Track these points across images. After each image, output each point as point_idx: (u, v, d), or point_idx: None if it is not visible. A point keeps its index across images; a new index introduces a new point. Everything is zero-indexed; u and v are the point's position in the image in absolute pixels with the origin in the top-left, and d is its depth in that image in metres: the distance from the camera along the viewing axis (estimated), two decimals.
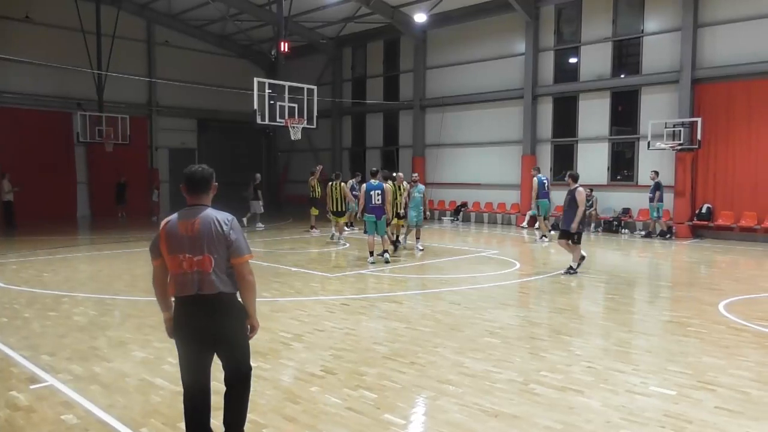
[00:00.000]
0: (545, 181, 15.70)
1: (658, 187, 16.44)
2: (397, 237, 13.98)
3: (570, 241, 10.52)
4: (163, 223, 3.50)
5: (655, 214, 16.60)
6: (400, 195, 13.44)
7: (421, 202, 13.53)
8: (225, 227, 3.43)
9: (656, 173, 16.58)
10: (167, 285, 3.51)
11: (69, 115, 22.64)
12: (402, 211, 13.40)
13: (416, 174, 14.82)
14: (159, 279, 3.54)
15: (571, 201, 10.39)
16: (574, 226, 10.35)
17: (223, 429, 3.68)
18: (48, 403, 4.54)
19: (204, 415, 3.60)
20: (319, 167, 18.27)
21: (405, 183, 13.65)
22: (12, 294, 8.66)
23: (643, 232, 17.20)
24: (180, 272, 3.41)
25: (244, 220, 18.42)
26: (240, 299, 3.55)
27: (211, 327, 3.45)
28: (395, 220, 13.67)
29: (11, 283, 9.45)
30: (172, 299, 3.53)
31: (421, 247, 13.52)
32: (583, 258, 10.74)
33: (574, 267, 10.62)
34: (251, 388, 3.76)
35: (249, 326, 3.64)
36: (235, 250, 3.43)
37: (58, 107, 22.64)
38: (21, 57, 18.29)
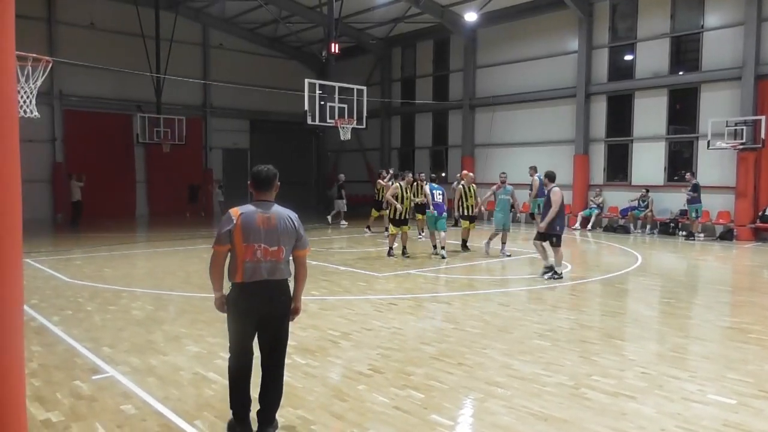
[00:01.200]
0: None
1: (695, 188, 16.12)
2: (464, 242, 13.48)
3: (549, 243, 10.03)
4: (235, 214, 3.79)
5: (694, 215, 16.29)
6: (471, 196, 13.04)
7: (509, 204, 12.65)
8: (296, 223, 3.93)
9: (693, 174, 16.39)
10: (223, 268, 3.86)
11: (129, 117, 23.57)
12: (468, 212, 13.03)
13: (504, 173, 13.13)
14: (221, 263, 3.85)
15: (548, 201, 9.99)
16: (542, 226, 9.98)
17: (260, 407, 3.96)
18: (109, 394, 4.75)
19: (248, 381, 3.96)
20: (390, 171, 18.18)
21: (473, 184, 13.37)
22: (76, 288, 9.08)
23: (701, 235, 16.56)
24: (253, 260, 3.78)
25: (329, 217, 19.74)
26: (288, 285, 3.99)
27: (272, 308, 3.88)
28: (465, 223, 13.38)
29: (75, 278, 9.90)
30: (230, 283, 3.87)
31: (508, 253, 12.67)
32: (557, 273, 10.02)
33: (558, 271, 9.97)
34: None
35: (294, 309, 4.03)
36: (301, 244, 3.96)
37: (119, 110, 23.59)
38: (86, 62, 19.13)
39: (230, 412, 4.01)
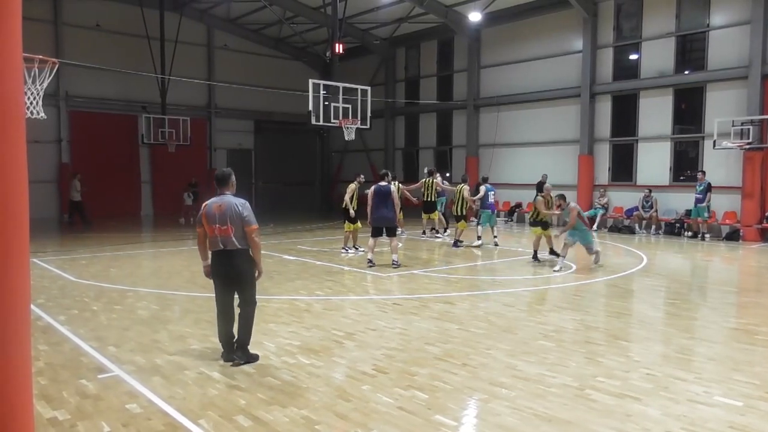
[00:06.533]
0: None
1: (708, 188, 16.14)
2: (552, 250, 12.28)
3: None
4: (203, 205, 5.49)
5: (706, 215, 16.30)
6: (549, 208, 11.86)
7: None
8: (240, 208, 5.35)
9: (704, 173, 16.44)
10: (206, 244, 5.52)
11: (134, 117, 23.60)
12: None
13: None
14: (202, 240, 5.56)
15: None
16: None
17: (235, 338, 5.51)
18: (114, 393, 4.77)
19: (230, 326, 5.54)
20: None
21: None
22: (82, 288, 9.12)
23: (708, 235, 16.50)
24: (214, 236, 5.37)
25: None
26: (251, 253, 5.46)
27: (231, 269, 5.42)
28: (540, 230, 12.02)
29: (81, 278, 9.94)
30: (209, 253, 5.51)
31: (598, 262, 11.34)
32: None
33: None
34: (254, 316, 5.63)
35: (257, 271, 5.53)
36: (247, 222, 5.34)
37: (125, 110, 23.64)
38: (91, 63, 19.20)
39: (235, 413, 4.02)
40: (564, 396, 4.71)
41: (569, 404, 4.55)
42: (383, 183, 11.27)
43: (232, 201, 5.34)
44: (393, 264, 11.10)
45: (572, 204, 11.14)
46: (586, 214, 17.37)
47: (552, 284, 9.80)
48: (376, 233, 11.29)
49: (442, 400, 4.63)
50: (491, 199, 14.70)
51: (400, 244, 14.47)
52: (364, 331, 6.70)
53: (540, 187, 12.02)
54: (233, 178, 5.52)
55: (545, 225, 12.08)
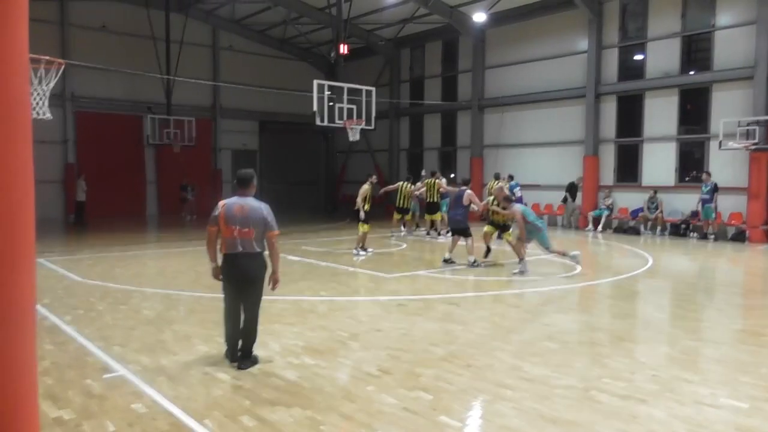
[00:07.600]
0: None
1: (715, 188, 16.14)
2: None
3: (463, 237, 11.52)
4: (221, 204, 5.36)
5: (713, 216, 16.28)
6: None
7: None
8: (264, 212, 5.30)
9: (709, 174, 16.43)
10: (216, 244, 5.40)
11: (140, 118, 23.69)
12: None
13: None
14: (212, 240, 5.43)
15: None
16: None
17: (240, 344, 5.46)
18: (119, 392, 4.78)
19: (238, 328, 5.45)
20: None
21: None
22: (87, 288, 9.14)
23: (713, 236, 16.45)
24: (232, 237, 5.26)
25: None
26: (266, 257, 5.38)
27: (244, 271, 5.31)
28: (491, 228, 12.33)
29: (86, 278, 9.97)
30: (220, 254, 5.35)
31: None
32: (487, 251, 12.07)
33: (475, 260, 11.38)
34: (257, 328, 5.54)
35: (273, 279, 5.41)
36: (269, 227, 5.30)
37: (130, 111, 23.72)
38: (97, 64, 19.26)
39: (240, 413, 4.03)
40: (569, 397, 4.70)
41: (574, 405, 4.54)
42: (463, 186, 12.06)
43: (255, 204, 5.30)
44: (468, 263, 11.26)
45: (516, 207, 11.21)
46: (591, 214, 17.48)
47: (557, 285, 9.77)
48: (453, 233, 11.96)
49: (446, 401, 4.62)
50: (518, 194, 16.06)
51: (404, 244, 14.47)
52: (369, 331, 6.70)
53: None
54: (255, 179, 5.47)
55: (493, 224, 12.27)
